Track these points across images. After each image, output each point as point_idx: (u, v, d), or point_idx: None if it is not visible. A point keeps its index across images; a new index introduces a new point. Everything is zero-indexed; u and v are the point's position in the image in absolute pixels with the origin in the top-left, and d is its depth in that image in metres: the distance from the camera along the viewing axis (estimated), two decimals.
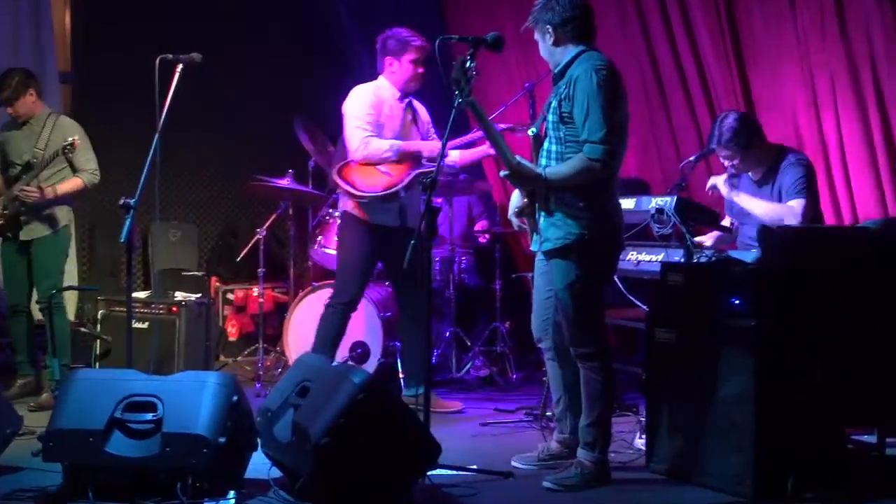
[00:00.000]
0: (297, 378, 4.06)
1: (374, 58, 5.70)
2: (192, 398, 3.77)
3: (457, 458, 4.34)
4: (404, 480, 3.84)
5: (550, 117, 4.15)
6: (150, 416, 3.74)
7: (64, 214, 6.06)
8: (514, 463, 4.42)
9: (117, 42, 7.19)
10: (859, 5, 5.70)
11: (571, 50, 4.17)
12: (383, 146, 5.48)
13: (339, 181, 5.54)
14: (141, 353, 5.71)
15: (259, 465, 4.08)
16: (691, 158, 5.33)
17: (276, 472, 4.05)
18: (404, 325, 5.85)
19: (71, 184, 5.98)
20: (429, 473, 3.95)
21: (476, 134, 5.57)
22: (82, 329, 6.50)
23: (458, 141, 5.65)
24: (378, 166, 5.51)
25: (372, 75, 5.70)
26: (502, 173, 4.13)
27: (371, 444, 3.72)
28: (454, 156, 5.71)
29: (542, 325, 4.41)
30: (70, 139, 5.70)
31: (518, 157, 4.09)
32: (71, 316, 7.28)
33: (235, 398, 3.83)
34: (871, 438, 4.40)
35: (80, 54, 7.83)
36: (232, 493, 3.83)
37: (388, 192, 5.46)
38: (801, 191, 5.04)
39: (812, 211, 5.06)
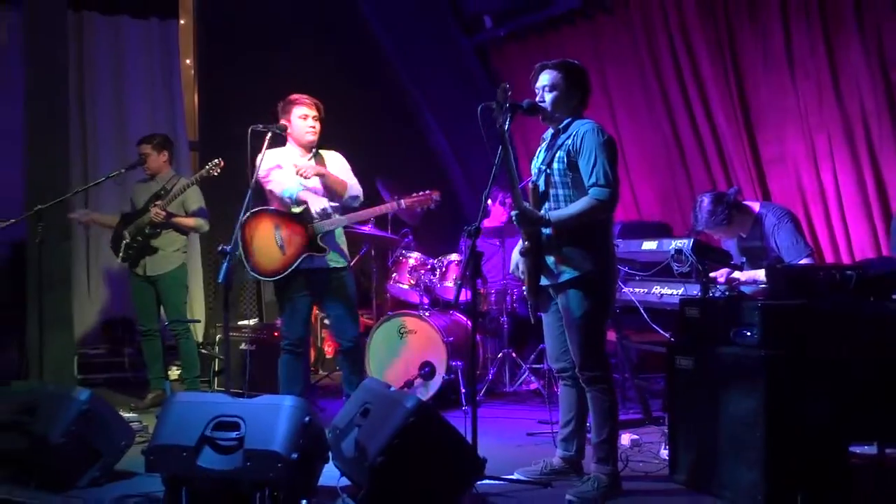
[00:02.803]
0: (361, 400, 3.70)
1: (439, 120, 5.26)
2: (270, 419, 3.42)
3: (504, 466, 3.97)
4: (454, 493, 3.45)
5: (557, 166, 3.71)
6: (234, 434, 3.41)
7: (178, 256, 5.87)
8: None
9: (237, 114, 7.03)
10: (852, 76, 5.31)
11: (574, 114, 3.81)
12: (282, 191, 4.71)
13: (239, 240, 4.62)
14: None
15: (331, 475, 3.71)
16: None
17: (344, 481, 3.68)
18: (341, 353, 4.99)
19: (186, 220, 5.80)
20: (476, 484, 3.57)
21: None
22: (202, 350, 6.26)
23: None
24: (275, 235, 4.70)
25: (438, 139, 5.28)
26: (512, 213, 3.71)
27: (422, 462, 3.35)
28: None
29: (561, 354, 3.89)
30: (216, 161, 5.44)
31: (525, 203, 3.70)
32: (200, 337, 7.12)
33: (307, 419, 3.46)
34: (871, 449, 3.92)
35: (206, 126, 7.75)
36: (304, 502, 3.47)
37: (278, 277, 4.72)
38: (801, 250, 4.57)
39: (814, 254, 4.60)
